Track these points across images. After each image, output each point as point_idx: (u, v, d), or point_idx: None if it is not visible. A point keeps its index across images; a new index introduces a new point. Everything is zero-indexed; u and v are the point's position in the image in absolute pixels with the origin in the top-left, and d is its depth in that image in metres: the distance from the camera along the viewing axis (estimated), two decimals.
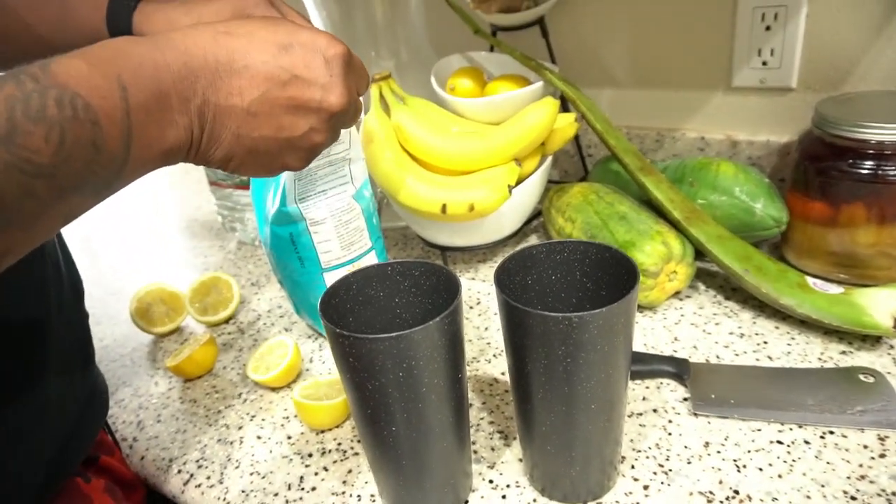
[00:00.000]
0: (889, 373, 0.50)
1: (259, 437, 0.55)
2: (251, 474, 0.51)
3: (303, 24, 0.40)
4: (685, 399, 0.51)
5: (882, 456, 0.43)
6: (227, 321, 0.74)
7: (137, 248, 1.01)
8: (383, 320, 0.46)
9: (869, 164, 0.55)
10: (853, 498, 0.41)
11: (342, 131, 0.58)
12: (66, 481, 0.48)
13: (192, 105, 0.33)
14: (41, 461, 0.45)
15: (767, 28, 0.69)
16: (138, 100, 0.31)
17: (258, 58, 0.35)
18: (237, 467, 0.52)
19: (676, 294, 0.64)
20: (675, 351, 0.57)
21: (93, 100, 0.29)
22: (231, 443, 0.55)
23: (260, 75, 0.35)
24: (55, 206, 0.29)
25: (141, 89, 0.31)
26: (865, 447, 0.44)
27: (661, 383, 0.53)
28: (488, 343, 0.62)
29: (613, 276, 0.42)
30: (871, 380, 0.49)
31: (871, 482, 0.42)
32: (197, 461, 0.54)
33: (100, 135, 0.29)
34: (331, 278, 0.62)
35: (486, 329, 0.64)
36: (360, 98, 0.43)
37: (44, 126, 0.27)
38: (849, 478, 0.42)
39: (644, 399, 0.52)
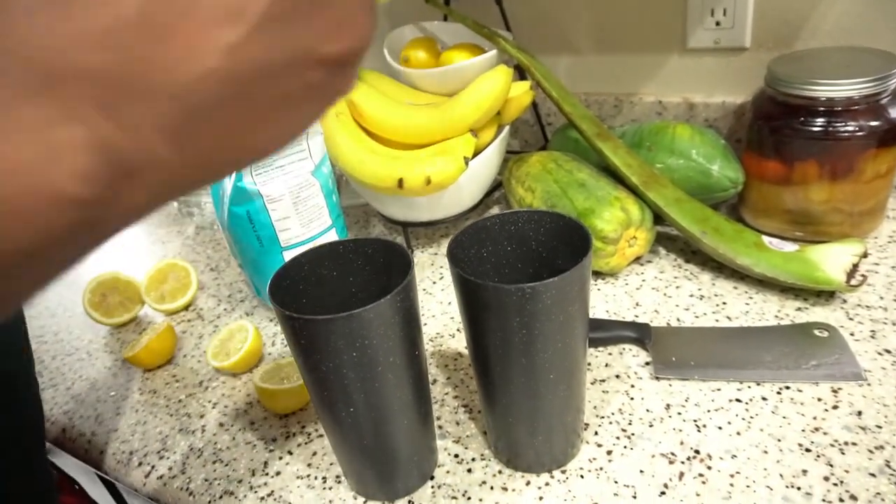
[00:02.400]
0: (842, 326, 0.51)
1: (221, 425, 0.54)
2: (214, 462, 0.50)
3: None
4: (647, 363, 0.52)
5: (835, 408, 0.44)
6: (185, 308, 0.72)
7: None
8: (338, 300, 0.45)
9: (820, 121, 0.55)
10: (808, 450, 0.42)
11: None
12: None
13: None
14: None
15: None
16: None
17: None
18: (199, 456, 0.51)
19: (637, 259, 0.64)
20: (637, 316, 0.57)
21: None
22: (193, 432, 0.54)
23: None
24: None
25: None
26: (819, 400, 0.45)
27: (624, 349, 0.54)
28: (452, 318, 0.62)
29: (568, 245, 0.42)
30: (826, 334, 0.50)
31: (825, 434, 0.43)
32: (158, 452, 0.53)
33: None
34: (291, 257, 0.60)
35: (450, 304, 0.64)
36: None
37: None
38: (803, 431, 0.43)
39: (607, 365, 0.52)
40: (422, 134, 0.65)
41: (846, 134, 0.55)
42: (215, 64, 0.16)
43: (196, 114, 0.16)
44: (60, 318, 0.76)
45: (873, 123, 0.54)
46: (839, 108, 0.55)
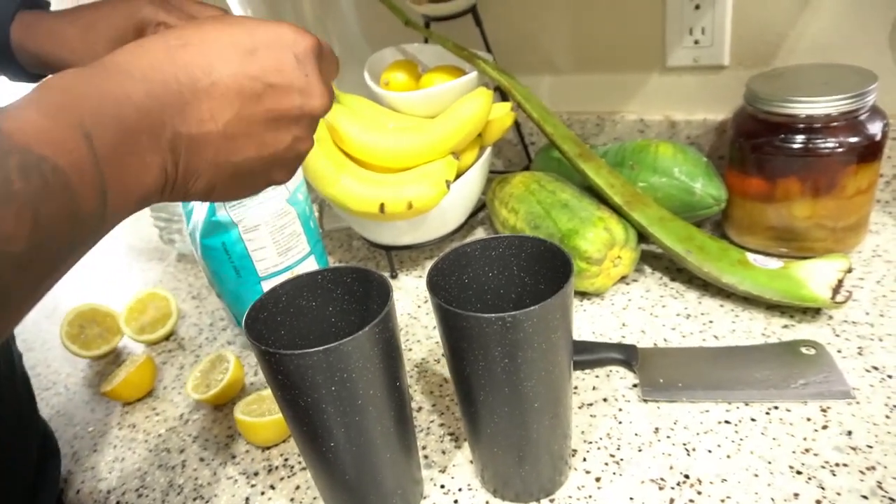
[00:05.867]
0: (829, 343, 0.51)
1: (202, 460, 0.53)
2: (195, 499, 0.49)
3: (247, 17, 0.34)
4: (634, 385, 0.51)
5: (825, 427, 0.44)
6: (166, 338, 0.71)
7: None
8: (318, 331, 0.44)
9: (800, 138, 0.55)
10: (799, 472, 0.41)
11: None
12: None
13: (162, 140, 0.28)
14: None
15: (697, 7, 0.69)
16: (106, 146, 0.25)
17: (224, 70, 0.29)
18: (179, 493, 0.50)
19: (623, 279, 0.64)
20: (624, 337, 0.56)
21: (60, 158, 0.23)
22: (173, 467, 0.52)
23: (231, 91, 0.30)
24: (28, 298, 0.24)
25: (107, 132, 0.25)
26: (809, 420, 0.45)
27: (611, 371, 0.53)
28: (437, 342, 0.61)
29: (550, 270, 0.41)
30: (813, 352, 0.50)
31: (816, 455, 0.42)
32: (137, 490, 0.51)
33: (75, 199, 0.24)
34: (269, 286, 0.59)
35: (434, 328, 0.63)
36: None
37: (13, 205, 0.22)
38: (794, 452, 0.42)
39: (594, 389, 0.51)
40: (403, 157, 0.64)
41: (826, 150, 0.55)
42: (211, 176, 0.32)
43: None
44: (38, 352, 0.74)
45: (852, 139, 0.54)
46: (818, 125, 0.55)
